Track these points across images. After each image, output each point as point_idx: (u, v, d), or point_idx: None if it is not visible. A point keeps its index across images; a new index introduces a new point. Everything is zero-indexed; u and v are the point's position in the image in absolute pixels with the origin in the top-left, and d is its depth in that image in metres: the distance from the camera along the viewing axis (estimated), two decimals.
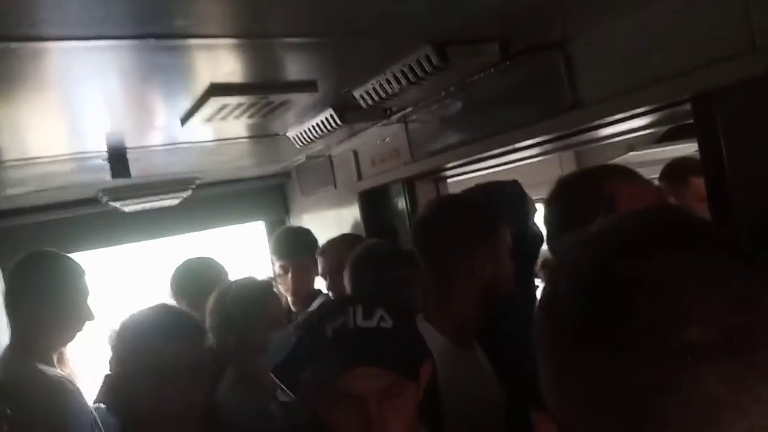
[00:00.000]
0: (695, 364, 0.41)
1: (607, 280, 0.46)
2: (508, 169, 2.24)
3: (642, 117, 1.45)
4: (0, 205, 2.69)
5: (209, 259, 2.62)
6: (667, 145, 3.22)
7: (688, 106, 1.30)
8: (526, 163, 2.17)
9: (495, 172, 2.34)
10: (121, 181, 2.44)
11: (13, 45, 1.04)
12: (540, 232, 1.94)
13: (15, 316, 1.81)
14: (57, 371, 1.85)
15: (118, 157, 1.93)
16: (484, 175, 2.39)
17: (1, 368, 1.72)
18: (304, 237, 2.91)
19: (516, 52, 1.55)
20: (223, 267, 2.60)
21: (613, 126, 1.56)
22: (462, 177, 2.48)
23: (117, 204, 2.74)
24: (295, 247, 2.81)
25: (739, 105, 1.19)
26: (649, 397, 0.41)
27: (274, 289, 2.24)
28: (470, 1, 1.22)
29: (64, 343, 1.97)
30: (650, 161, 3.20)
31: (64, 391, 1.76)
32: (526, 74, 1.67)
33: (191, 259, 2.61)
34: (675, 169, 2.74)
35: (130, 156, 1.99)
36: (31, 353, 1.79)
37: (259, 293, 2.05)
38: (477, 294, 1.60)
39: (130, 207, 2.81)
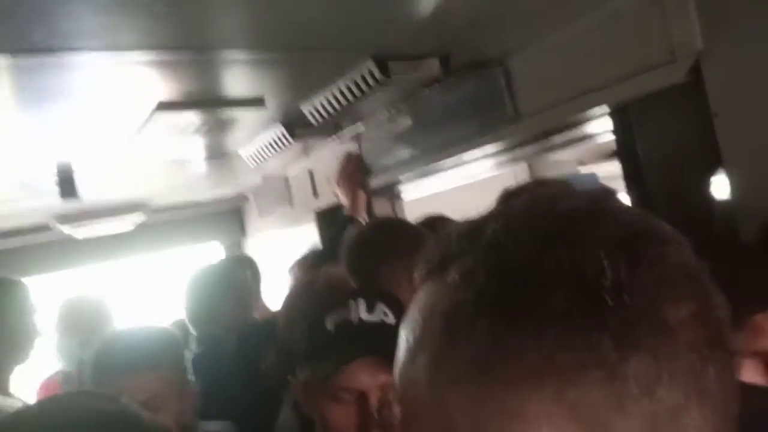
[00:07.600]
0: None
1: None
2: (464, 185, 2.29)
3: (575, 128, 1.51)
4: None
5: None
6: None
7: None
8: (483, 180, 2.20)
9: (452, 189, 2.38)
10: (73, 206, 2.41)
11: None
12: None
13: None
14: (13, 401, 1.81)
15: (65, 178, 1.91)
16: (440, 193, 2.44)
17: None
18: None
19: (457, 68, 1.61)
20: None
21: (551, 138, 1.62)
22: (418, 196, 2.52)
23: (69, 230, 2.69)
24: None
25: (654, 115, 1.27)
26: None
27: None
28: (408, 19, 1.27)
29: (18, 362, 1.94)
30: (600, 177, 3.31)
31: None
32: (469, 89, 1.72)
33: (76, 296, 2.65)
34: None
35: (78, 176, 1.97)
36: None
37: None
38: None
39: (82, 233, 2.77)
